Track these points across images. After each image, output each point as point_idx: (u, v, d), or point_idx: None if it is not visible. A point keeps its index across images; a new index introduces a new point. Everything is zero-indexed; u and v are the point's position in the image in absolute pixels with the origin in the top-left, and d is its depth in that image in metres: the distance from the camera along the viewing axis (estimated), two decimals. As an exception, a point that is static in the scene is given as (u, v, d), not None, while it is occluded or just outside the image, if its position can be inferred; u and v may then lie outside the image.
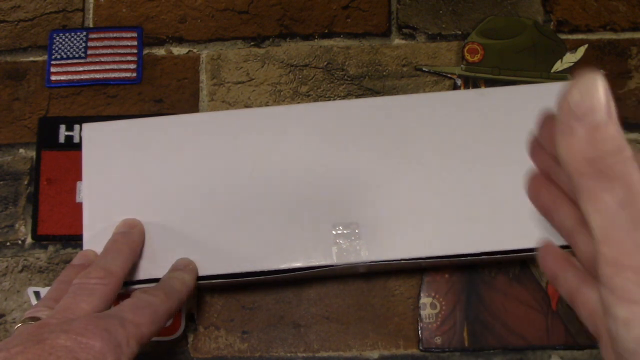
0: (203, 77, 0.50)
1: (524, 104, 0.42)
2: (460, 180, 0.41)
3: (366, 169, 0.41)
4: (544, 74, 0.48)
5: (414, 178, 0.41)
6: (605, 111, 0.22)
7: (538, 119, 0.26)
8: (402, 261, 0.40)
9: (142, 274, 0.40)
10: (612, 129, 0.22)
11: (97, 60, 0.50)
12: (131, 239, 0.39)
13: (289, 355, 0.45)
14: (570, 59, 0.48)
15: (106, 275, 0.35)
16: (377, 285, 0.45)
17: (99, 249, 0.40)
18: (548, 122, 0.29)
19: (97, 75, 0.49)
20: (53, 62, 0.50)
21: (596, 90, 0.22)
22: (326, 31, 0.50)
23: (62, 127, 0.48)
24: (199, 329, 0.45)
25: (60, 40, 0.50)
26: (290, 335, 0.45)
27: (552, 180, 0.30)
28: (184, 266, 0.40)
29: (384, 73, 0.49)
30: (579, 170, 0.22)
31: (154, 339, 0.44)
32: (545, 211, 0.33)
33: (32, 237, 0.47)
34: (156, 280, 0.40)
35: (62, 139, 0.48)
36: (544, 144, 0.30)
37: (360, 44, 0.50)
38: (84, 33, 0.50)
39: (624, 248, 0.22)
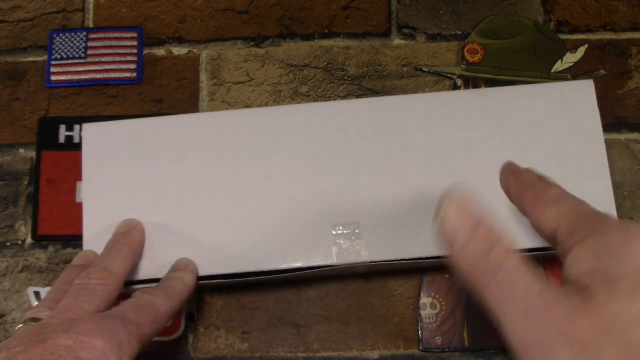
0: (203, 77, 0.50)
1: (524, 104, 0.42)
2: (460, 180, 0.41)
3: (366, 169, 0.41)
4: (544, 74, 0.48)
5: (414, 178, 0.41)
6: (471, 225, 0.25)
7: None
8: (402, 261, 0.40)
9: (142, 274, 0.40)
10: (482, 233, 0.25)
11: (97, 60, 0.50)
12: (131, 239, 0.39)
13: (289, 355, 0.45)
14: (570, 59, 0.48)
15: (107, 276, 0.35)
16: (377, 285, 0.45)
17: (99, 249, 0.40)
18: None
19: (97, 75, 0.49)
20: (53, 62, 0.50)
21: (462, 206, 0.25)
22: (326, 31, 0.50)
23: (62, 127, 0.48)
24: (199, 329, 0.45)
25: (60, 40, 0.50)
26: (290, 335, 0.45)
27: None
28: (184, 266, 0.40)
29: (384, 73, 0.49)
30: (473, 281, 0.25)
31: (155, 339, 0.44)
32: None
33: (32, 237, 0.47)
34: (156, 280, 0.40)
35: (62, 139, 0.48)
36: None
37: (360, 44, 0.50)
38: (84, 33, 0.50)
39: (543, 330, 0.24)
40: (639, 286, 0.25)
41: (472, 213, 0.25)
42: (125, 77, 0.49)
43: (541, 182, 0.32)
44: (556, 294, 0.24)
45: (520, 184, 0.33)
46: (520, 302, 0.24)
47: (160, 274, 0.40)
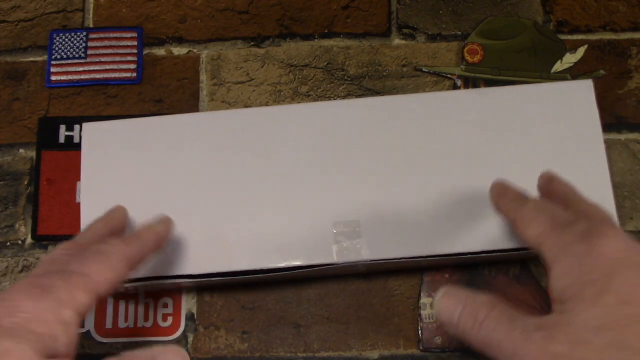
0: (203, 77, 0.50)
1: (524, 104, 0.42)
2: (460, 179, 0.41)
3: (366, 168, 0.41)
4: (544, 74, 0.48)
5: (414, 177, 0.41)
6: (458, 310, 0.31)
7: None
8: (402, 260, 0.40)
9: (141, 273, 0.40)
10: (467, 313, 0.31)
11: (97, 60, 0.50)
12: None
13: (289, 355, 0.45)
14: (570, 59, 0.49)
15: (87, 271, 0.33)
16: (377, 285, 0.45)
17: None
18: None
19: (97, 75, 0.49)
20: (53, 62, 0.50)
21: (446, 297, 0.31)
22: (326, 31, 0.50)
23: (62, 127, 0.48)
24: (199, 329, 0.45)
25: (60, 40, 0.50)
26: (290, 335, 0.45)
27: None
28: (156, 220, 0.39)
29: (384, 73, 0.49)
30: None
31: (154, 339, 0.44)
32: None
33: (32, 237, 0.47)
34: (157, 278, 0.40)
35: (62, 139, 0.48)
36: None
37: (360, 44, 0.50)
38: (84, 33, 0.50)
39: None
40: (605, 289, 0.26)
41: (455, 301, 0.31)
42: (125, 77, 0.49)
43: (517, 201, 0.34)
44: (538, 320, 0.27)
45: (503, 205, 0.36)
46: (509, 347, 0.27)
47: (160, 273, 0.40)
